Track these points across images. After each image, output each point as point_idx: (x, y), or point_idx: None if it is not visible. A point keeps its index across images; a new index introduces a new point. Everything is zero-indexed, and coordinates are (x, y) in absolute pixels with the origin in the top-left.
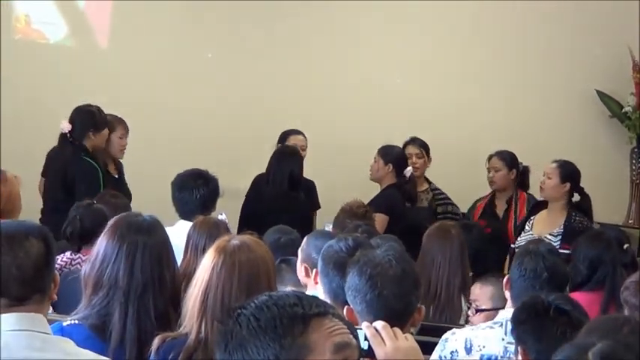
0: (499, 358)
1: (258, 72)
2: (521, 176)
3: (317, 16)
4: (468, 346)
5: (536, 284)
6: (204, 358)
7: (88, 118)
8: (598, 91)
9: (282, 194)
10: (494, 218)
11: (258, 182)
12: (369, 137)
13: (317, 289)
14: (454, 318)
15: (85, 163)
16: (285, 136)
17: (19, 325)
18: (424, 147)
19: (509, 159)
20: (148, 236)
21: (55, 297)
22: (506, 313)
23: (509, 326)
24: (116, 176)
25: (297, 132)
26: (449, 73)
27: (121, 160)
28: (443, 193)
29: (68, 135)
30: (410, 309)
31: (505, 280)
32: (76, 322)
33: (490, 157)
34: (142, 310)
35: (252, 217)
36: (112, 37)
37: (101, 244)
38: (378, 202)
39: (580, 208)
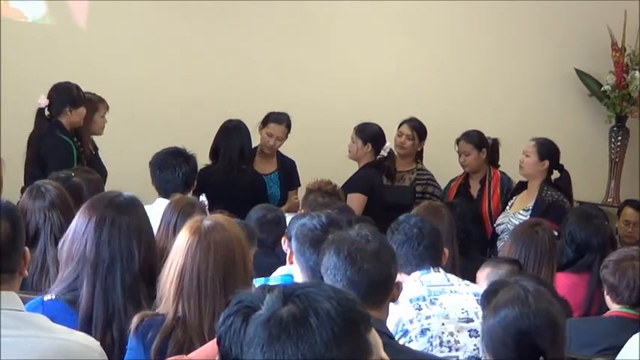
0: (426, 297)
1: (240, 51)
2: (492, 151)
3: None
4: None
5: (413, 243)
6: (184, 337)
7: (65, 94)
8: (577, 70)
9: (232, 169)
10: (468, 199)
11: (205, 170)
12: (352, 116)
13: (292, 269)
14: None
15: (58, 139)
16: (266, 120)
17: None
18: (418, 129)
19: (477, 140)
20: (117, 212)
21: (26, 273)
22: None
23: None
24: (93, 153)
25: (280, 120)
26: (428, 53)
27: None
28: (427, 174)
29: (46, 110)
30: (389, 282)
31: None
32: (54, 297)
33: (458, 141)
34: (109, 283)
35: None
36: (91, 16)
37: (75, 218)
38: (355, 182)
39: (559, 186)
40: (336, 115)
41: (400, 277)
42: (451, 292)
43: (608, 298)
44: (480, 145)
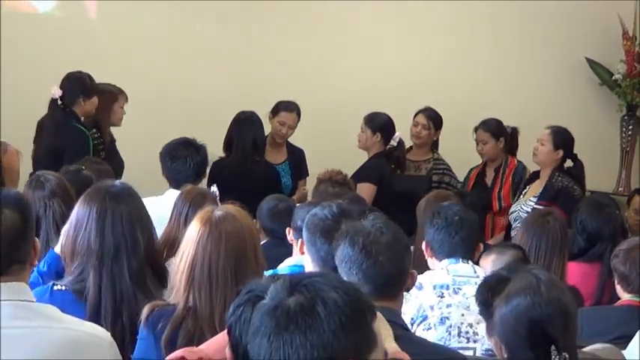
0: (450, 285)
1: (249, 40)
2: (511, 139)
3: None
4: (418, 284)
5: (451, 231)
6: (194, 327)
7: (78, 85)
8: (588, 59)
9: (246, 160)
10: (483, 187)
11: (218, 163)
12: (362, 105)
13: (303, 260)
14: None
15: (74, 128)
16: (277, 109)
17: (2, 295)
18: (434, 119)
19: (495, 129)
20: (116, 201)
21: (36, 262)
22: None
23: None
24: (110, 144)
25: (290, 108)
26: (440, 42)
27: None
28: (444, 164)
29: (59, 101)
30: (404, 273)
31: (424, 246)
32: (64, 287)
33: (476, 129)
34: (115, 271)
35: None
36: (101, 7)
37: (74, 213)
38: (364, 172)
39: (572, 175)
40: (346, 105)
41: (431, 262)
42: (476, 283)
43: (619, 287)
44: (498, 134)
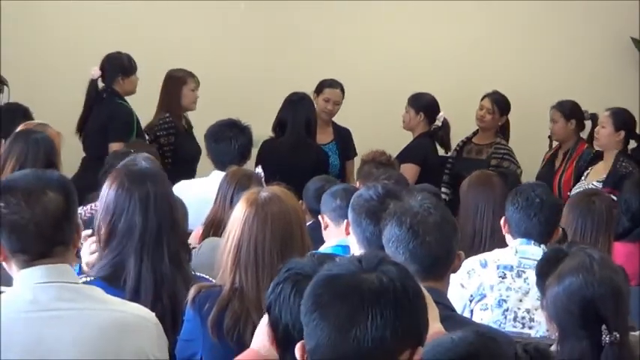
0: (515, 267)
1: (293, 22)
2: (592, 126)
3: None
4: (483, 262)
5: (531, 212)
6: (241, 309)
7: (117, 64)
8: (633, 39)
9: (300, 142)
10: (552, 169)
11: (269, 143)
12: (409, 86)
13: (349, 240)
14: None
15: (117, 104)
16: (320, 87)
17: (47, 277)
18: (499, 103)
19: (567, 110)
20: (154, 183)
21: (80, 245)
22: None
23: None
24: (186, 129)
25: (334, 85)
26: (483, 23)
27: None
28: (505, 149)
29: (99, 82)
30: (451, 254)
31: (502, 222)
32: (91, 278)
33: (552, 109)
34: (156, 253)
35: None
36: None
37: (109, 196)
38: (408, 152)
39: (635, 158)
40: (394, 86)
41: (508, 239)
42: None
43: None
44: (570, 116)
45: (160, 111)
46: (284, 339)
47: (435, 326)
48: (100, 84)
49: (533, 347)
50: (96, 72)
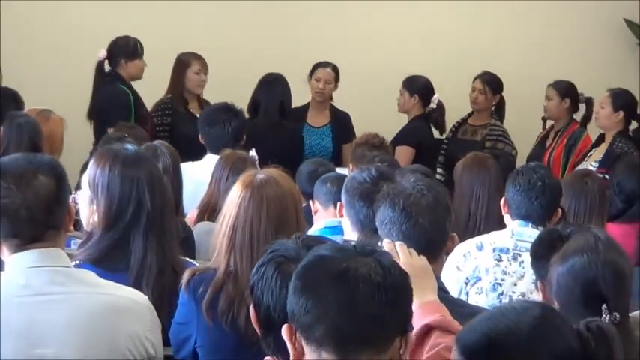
0: (511, 250)
1: (286, 7)
2: (586, 108)
3: None
4: (480, 244)
5: (532, 195)
6: (235, 291)
7: (122, 46)
8: (626, 20)
9: (273, 124)
10: (543, 148)
11: None
12: (404, 68)
13: (342, 222)
14: None
15: (115, 88)
16: (313, 69)
17: (40, 261)
18: (490, 83)
19: (562, 88)
20: (153, 165)
21: (72, 229)
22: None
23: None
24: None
25: (326, 64)
26: (477, 5)
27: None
28: (499, 130)
29: (106, 64)
30: (444, 236)
31: (502, 202)
32: (79, 262)
33: (548, 86)
34: (165, 236)
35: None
36: None
37: (110, 184)
38: (403, 135)
39: (635, 138)
40: (393, 69)
41: (507, 219)
42: None
43: None
44: (565, 94)
45: (166, 93)
46: (265, 320)
47: (430, 296)
48: (107, 67)
49: (596, 325)
50: (102, 54)
